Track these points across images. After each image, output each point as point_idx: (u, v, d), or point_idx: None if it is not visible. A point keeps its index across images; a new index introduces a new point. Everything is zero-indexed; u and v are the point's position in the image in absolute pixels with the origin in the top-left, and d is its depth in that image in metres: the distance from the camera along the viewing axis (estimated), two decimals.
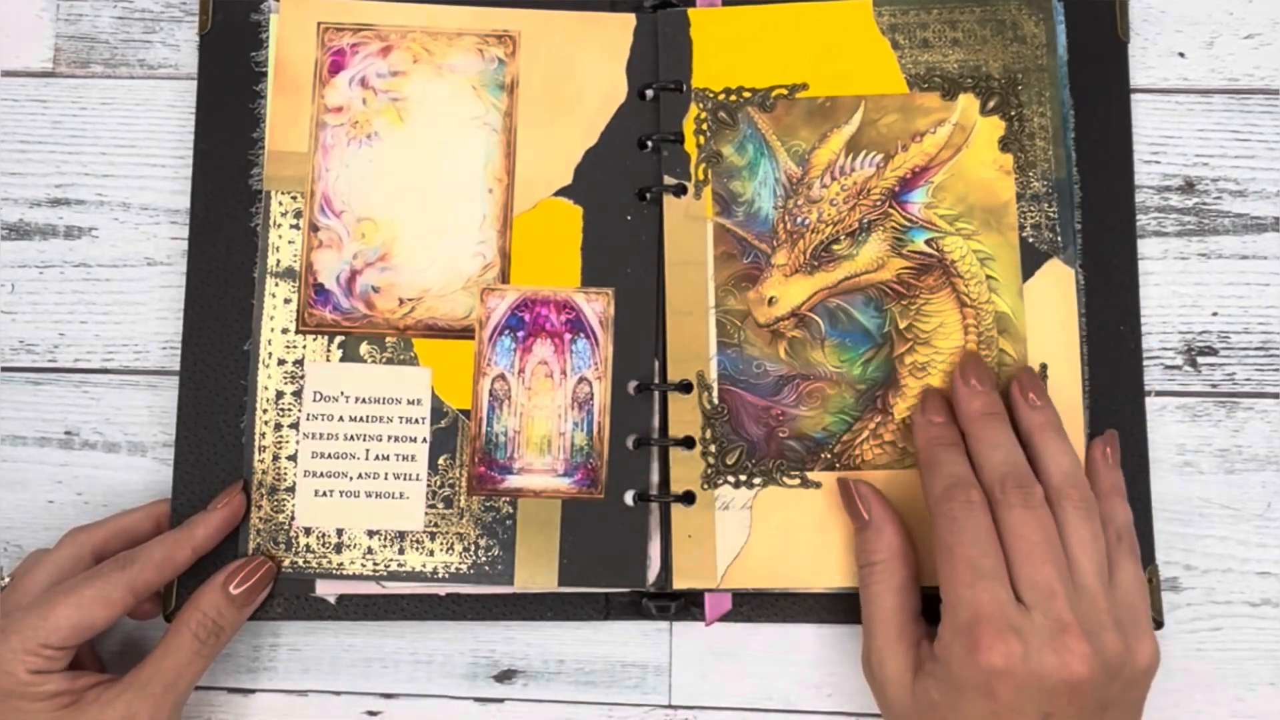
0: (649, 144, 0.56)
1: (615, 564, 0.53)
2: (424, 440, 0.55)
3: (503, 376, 0.55)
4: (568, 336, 0.55)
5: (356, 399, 0.55)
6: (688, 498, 0.53)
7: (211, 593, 0.51)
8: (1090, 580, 0.46)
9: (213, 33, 0.57)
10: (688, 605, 0.54)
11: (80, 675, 0.49)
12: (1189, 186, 0.57)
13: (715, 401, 0.54)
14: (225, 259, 0.56)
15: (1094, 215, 0.55)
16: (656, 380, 0.55)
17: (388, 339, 0.55)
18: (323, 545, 0.54)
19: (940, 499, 0.48)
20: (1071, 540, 0.47)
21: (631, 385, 0.55)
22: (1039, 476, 0.49)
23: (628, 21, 0.57)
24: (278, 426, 0.54)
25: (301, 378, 0.55)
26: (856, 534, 0.52)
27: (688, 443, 0.54)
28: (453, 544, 0.54)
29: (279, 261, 0.55)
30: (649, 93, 0.56)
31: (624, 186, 0.56)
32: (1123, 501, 0.51)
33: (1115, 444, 0.52)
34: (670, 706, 0.55)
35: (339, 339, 0.55)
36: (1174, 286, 0.57)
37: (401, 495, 0.54)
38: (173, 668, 0.49)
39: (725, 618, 0.54)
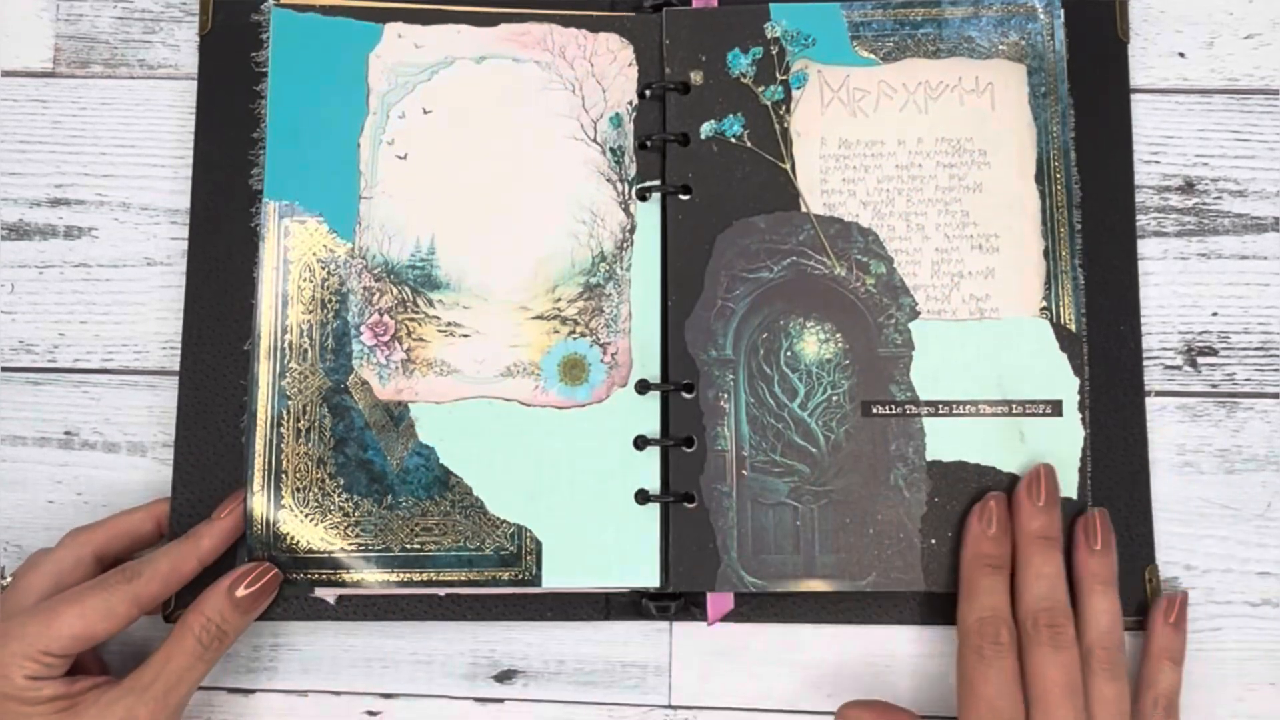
0: (649, 144, 0.56)
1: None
2: None
3: None
4: None
5: None
6: (687, 498, 0.53)
7: (216, 597, 0.50)
8: None
9: (213, 33, 0.57)
10: (688, 605, 0.54)
11: (78, 679, 0.49)
12: (1189, 186, 0.57)
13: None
14: (225, 259, 0.56)
15: (1094, 215, 0.55)
16: (659, 380, 0.55)
17: None
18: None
19: (971, 630, 0.49)
20: (1093, 697, 0.48)
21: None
22: (1077, 624, 0.49)
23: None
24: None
25: None
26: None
27: (688, 442, 0.54)
28: None
29: None
30: (648, 93, 0.56)
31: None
32: (1174, 667, 0.51)
33: (1183, 608, 0.52)
34: (670, 706, 0.55)
35: None
36: (1174, 286, 0.57)
37: None
38: (175, 671, 0.49)
39: (725, 618, 0.54)
